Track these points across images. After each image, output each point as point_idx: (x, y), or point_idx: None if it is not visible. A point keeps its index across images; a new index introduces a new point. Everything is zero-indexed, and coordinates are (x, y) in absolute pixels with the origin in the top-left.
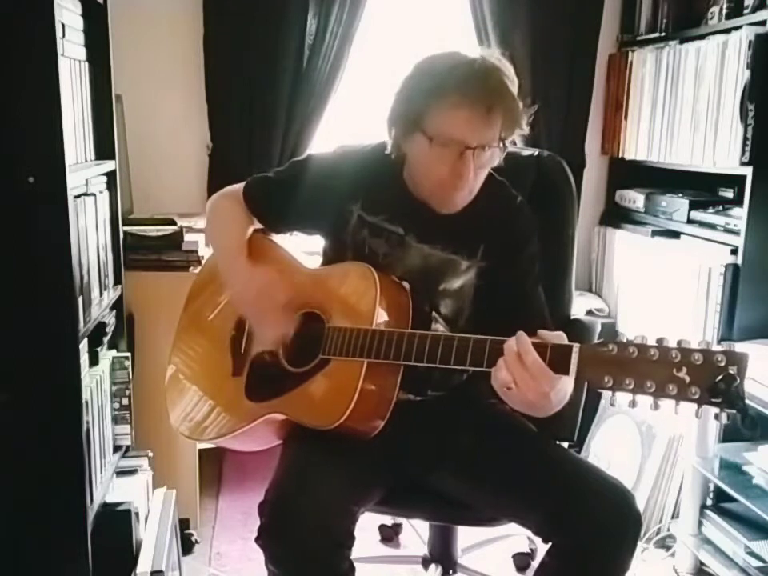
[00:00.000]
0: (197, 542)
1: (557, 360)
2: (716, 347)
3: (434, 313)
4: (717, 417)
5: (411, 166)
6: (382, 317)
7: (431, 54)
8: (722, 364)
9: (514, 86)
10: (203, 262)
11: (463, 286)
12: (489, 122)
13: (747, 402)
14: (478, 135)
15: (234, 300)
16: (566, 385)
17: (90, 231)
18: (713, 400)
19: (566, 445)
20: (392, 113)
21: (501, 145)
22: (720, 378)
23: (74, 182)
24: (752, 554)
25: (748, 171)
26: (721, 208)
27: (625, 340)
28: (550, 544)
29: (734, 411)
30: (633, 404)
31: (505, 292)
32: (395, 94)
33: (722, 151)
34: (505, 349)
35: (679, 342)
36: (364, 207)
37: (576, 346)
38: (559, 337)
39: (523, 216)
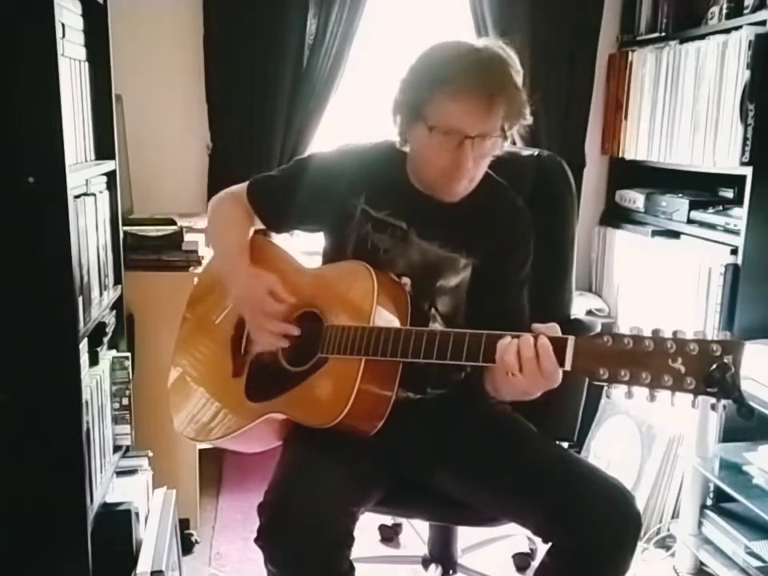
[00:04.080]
0: (197, 542)
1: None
2: (712, 336)
3: (432, 310)
4: (713, 407)
5: (413, 155)
6: (380, 315)
7: (437, 43)
8: (718, 353)
9: (517, 75)
10: (203, 262)
11: (460, 284)
12: (489, 111)
13: (746, 399)
14: (478, 125)
15: (236, 303)
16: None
17: (90, 231)
18: (708, 390)
19: (565, 445)
20: (396, 101)
21: (503, 134)
22: (714, 366)
23: (74, 182)
24: (752, 554)
25: (748, 171)
26: (721, 208)
27: (620, 332)
28: (550, 544)
29: (730, 401)
30: (629, 395)
31: (489, 292)
32: (400, 82)
33: (722, 151)
34: (522, 341)
35: (674, 333)
36: (368, 202)
37: (571, 339)
38: (552, 328)
39: (523, 220)
